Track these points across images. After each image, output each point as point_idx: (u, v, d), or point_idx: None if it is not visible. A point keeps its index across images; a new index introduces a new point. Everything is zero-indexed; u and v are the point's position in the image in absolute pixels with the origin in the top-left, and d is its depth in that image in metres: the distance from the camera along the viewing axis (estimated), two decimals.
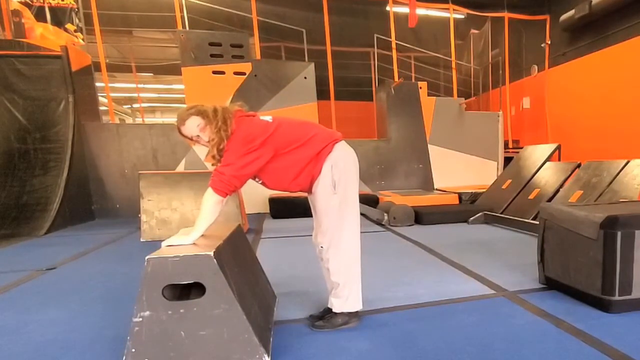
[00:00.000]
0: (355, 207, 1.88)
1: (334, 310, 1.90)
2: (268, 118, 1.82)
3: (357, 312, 1.93)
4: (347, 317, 1.90)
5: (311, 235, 1.97)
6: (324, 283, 1.86)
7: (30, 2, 6.33)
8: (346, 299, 1.87)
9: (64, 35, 6.42)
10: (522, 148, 6.71)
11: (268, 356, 1.50)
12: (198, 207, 1.76)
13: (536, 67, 9.55)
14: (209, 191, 1.65)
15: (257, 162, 1.70)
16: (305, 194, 1.92)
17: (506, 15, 9.13)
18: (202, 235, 1.71)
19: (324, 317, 1.94)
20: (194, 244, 1.64)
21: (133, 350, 1.42)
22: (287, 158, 1.76)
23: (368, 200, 5.47)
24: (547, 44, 9.23)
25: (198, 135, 1.73)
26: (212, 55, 6.30)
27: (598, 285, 2.00)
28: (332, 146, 1.80)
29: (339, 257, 1.84)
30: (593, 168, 4.47)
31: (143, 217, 4.28)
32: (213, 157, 1.75)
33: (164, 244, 1.62)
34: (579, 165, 4.70)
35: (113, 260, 3.47)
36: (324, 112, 7.33)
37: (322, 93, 7.28)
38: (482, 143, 7.91)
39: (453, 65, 8.76)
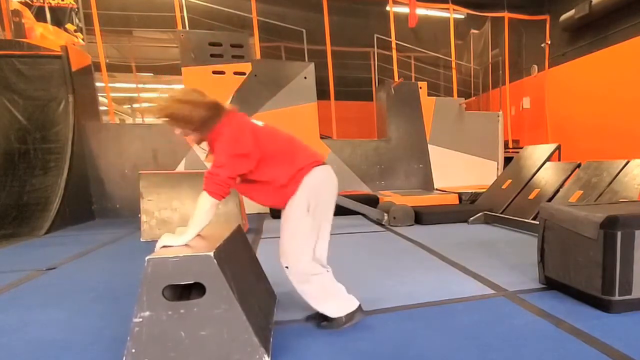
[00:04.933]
0: (324, 231, 1.82)
1: (331, 316, 1.85)
2: (259, 123, 1.77)
3: (355, 310, 1.87)
4: (345, 317, 1.85)
5: None
6: None
7: (30, 2, 6.33)
8: (336, 308, 1.83)
9: (64, 35, 6.42)
10: (522, 148, 6.70)
11: (268, 356, 1.50)
12: None
13: (536, 67, 9.55)
14: (205, 195, 1.60)
15: (247, 164, 1.66)
16: None
17: (506, 15, 9.13)
18: (202, 236, 1.71)
19: (327, 318, 1.88)
20: (188, 245, 1.64)
21: (133, 350, 1.42)
22: (269, 168, 1.70)
23: (368, 200, 5.46)
24: (547, 44, 9.23)
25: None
26: (212, 55, 6.30)
27: (598, 285, 2.00)
28: (311, 167, 1.75)
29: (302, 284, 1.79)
30: (593, 168, 4.47)
31: (143, 217, 4.28)
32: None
33: (158, 244, 1.61)
34: (579, 165, 4.70)
35: (113, 260, 3.48)
36: (324, 112, 7.33)
37: (322, 93, 7.26)
38: (482, 143, 7.91)
39: (453, 65, 8.75)
